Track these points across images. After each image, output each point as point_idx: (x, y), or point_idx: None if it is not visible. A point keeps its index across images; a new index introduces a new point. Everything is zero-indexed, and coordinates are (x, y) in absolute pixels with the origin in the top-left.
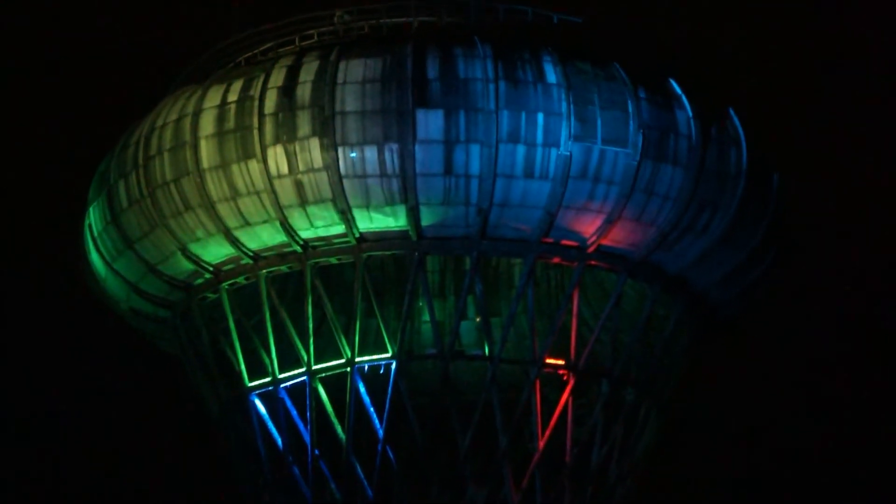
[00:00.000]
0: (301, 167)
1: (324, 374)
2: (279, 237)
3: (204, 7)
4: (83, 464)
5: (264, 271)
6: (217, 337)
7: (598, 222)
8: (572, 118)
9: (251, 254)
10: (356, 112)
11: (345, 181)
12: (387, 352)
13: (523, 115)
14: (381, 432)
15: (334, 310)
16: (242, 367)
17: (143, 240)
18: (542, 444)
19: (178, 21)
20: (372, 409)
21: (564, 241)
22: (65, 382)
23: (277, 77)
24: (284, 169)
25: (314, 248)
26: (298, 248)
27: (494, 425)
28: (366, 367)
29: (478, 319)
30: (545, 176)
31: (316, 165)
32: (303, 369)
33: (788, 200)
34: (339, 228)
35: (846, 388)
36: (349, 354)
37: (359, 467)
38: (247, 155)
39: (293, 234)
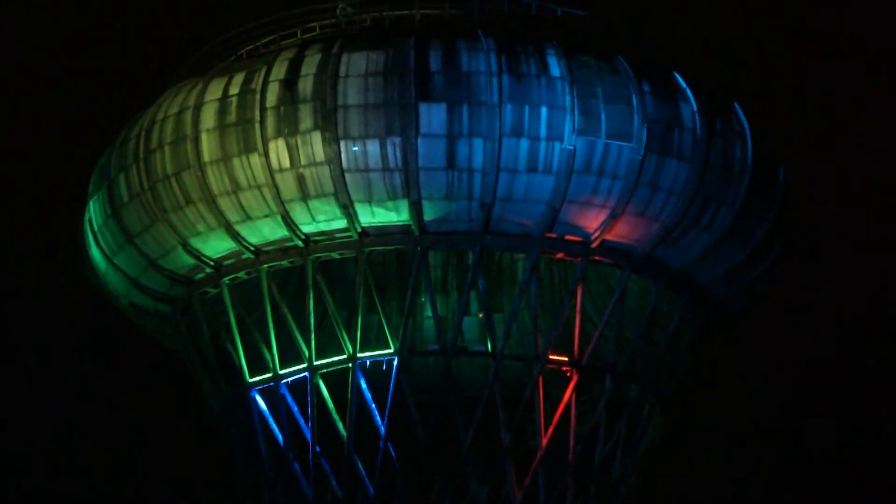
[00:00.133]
0: (303, 161)
1: (325, 370)
2: (280, 231)
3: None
4: (83, 464)
5: (265, 266)
6: (218, 332)
7: (602, 217)
8: (576, 112)
9: (252, 248)
10: (358, 105)
11: (347, 175)
12: (389, 347)
13: (527, 108)
14: (382, 429)
15: (336, 305)
16: (243, 362)
17: (143, 234)
18: (545, 441)
19: (180, 14)
20: (373, 406)
21: (568, 236)
22: (64, 380)
23: (279, 70)
24: (286, 163)
25: (316, 242)
26: (300, 243)
27: (497, 422)
28: (367, 363)
29: (480, 315)
30: (549, 170)
31: (318, 159)
32: (304, 365)
33: (794, 195)
34: (341, 223)
35: (845, 388)
36: (351, 350)
37: (360, 464)
38: (248, 148)
39: (295, 228)
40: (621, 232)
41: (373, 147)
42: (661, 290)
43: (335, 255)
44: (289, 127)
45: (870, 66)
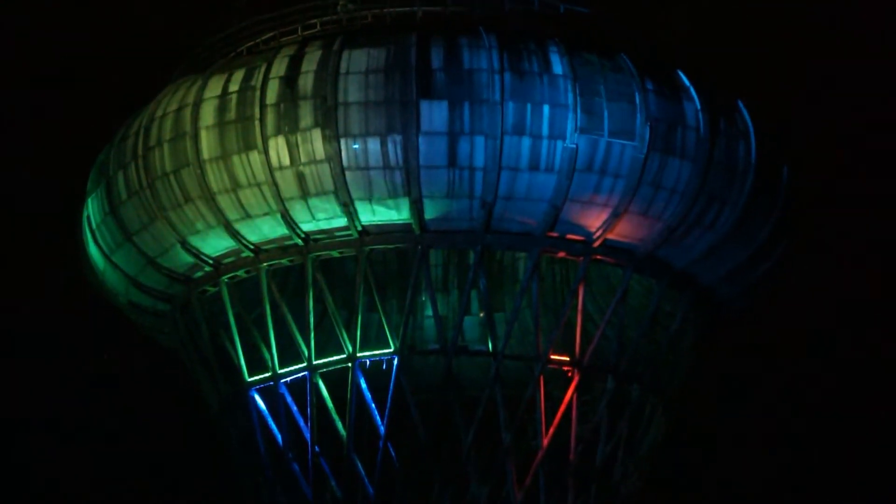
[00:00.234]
0: (303, 158)
1: (325, 370)
2: (280, 230)
3: None
4: (82, 463)
5: (265, 264)
6: (217, 331)
7: (605, 216)
8: (578, 110)
9: (252, 246)
10: (359, 103)
11: (347, 173)
12: (389, 347)
13: (529, 106)
14: (382, 429)
15: (336, 304)
16: (242, 361)
17: (142, 232)
18: (545, 441)
19: (179, 10)
20: (373, 405)
21: (570, 235)
22: (63, 379)
23: (279, 67)
24: (286, 160)
25: (316, 241)
26: (300, 241)
27: (498, 422)
28: (367, 363)
29: (481, 314)
30: (551, 169)
31: (318, 157)
32: (303, 364)
33: (798, 195)
34: (341, 221)
35: (846, 387)
36: (350, 349)
37: (360, 464)
38: (248, 146)
39: (294, 226)
40: (623, 231)
41: (373, 145)
42: (664, 289)
43: (335, 254)
44: (289, 124)
45: (869, 67)
